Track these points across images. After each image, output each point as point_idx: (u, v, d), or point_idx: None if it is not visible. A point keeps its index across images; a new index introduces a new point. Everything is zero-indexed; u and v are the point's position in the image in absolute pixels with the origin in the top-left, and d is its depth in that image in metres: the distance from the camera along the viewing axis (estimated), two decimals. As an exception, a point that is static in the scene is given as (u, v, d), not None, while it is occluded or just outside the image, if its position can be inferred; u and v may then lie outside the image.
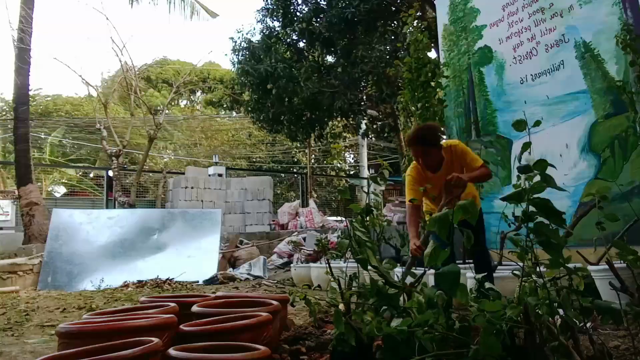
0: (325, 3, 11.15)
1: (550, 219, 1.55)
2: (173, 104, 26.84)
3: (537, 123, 2.28)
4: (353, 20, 10.34)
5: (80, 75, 20.07)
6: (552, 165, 1.62)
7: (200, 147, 24.29)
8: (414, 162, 3.38)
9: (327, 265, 2.32)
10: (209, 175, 13.05)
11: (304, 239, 8.47)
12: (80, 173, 19.53)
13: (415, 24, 5.39)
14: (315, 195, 15.79)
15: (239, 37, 11.92)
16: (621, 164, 4.15)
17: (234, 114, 25.73)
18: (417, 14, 5.86)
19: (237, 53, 11.84)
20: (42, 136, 20.19)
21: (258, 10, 11.90)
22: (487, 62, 5.54)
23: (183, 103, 29.96)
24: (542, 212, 1.56)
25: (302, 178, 17.18)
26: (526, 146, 1.74)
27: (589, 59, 4.49)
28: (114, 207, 10.76)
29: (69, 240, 7.51)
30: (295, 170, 22.15)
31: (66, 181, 19.08)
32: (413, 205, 3.26)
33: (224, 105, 26.05)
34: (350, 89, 10.82)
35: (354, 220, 2.15)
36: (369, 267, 2.01)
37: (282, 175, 21.49)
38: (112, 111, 15.99)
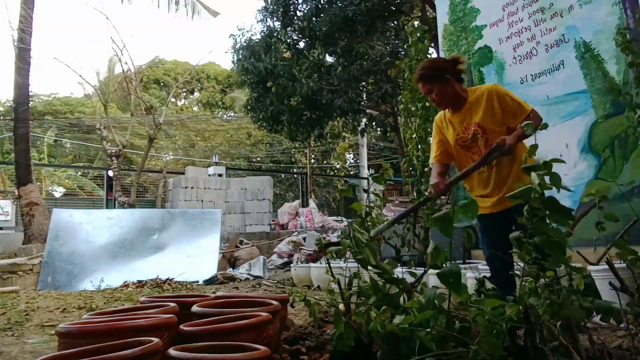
0: (325, 2, 11.14)
1: (558, 217, 1.51)
2: (174, 105, 26.83)
3: (545, 126, 2.28)
4: (353, 19, 10.33)
5: (81, 75, 20.16)
6: (562, 161, 1.61)
7: (198, 148, 24.28)
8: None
9: (327, 265, 2.32)
10: (209, 175, 13.06)
11: (304, 239, 8.47)
12: (79, 173, 19.53)
13: (416, 25, 5.38)
14: (314, 196, 15.79)
15: (240, 35, 11.93)
16: (621, 164, 4.14)
17: (232, 113, 25.74)
18: (418, 14, 5.86)
19: (237, 51, 11.85)
20: (41, 136, 20.19)
21: (259, 10, 11.90)
22: (487, 62, 5.53)
23: (180, 103, 29.95)
24: (551, 210, 1.51)
25: (302, 178, 17.19)
26: (534, 149, 1.72)
27: (589, 59, 4.49)
28: (114, 207, 10.76)
29: (69, 240, 7.51)
30: (294, 170, 22.15)
31: (65, 181, 19.06)
32: (439, 164, 2.94)
33: (217, 105, 25.99)
34: (350, 87, 10.82)
35: (353, 220, 2.14)
36: (369, 267, 2.00)
37: (282, 175, 21.49)
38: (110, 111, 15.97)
